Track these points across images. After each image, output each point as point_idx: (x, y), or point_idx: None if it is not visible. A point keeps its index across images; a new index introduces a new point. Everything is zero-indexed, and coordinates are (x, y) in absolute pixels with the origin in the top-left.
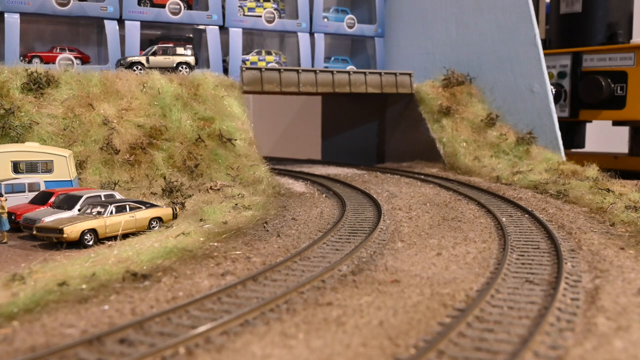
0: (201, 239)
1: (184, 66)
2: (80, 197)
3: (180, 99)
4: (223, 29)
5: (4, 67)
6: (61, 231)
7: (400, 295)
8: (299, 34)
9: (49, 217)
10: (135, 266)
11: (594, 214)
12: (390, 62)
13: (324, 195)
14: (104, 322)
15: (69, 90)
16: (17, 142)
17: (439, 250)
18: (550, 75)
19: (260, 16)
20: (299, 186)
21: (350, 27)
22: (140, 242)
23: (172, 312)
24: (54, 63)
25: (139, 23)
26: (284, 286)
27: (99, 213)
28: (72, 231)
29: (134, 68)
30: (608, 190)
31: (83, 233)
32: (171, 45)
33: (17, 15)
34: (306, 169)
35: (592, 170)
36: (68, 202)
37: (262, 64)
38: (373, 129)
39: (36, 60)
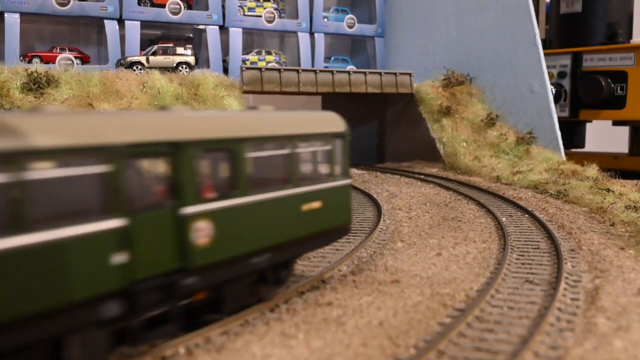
0: None
1: (184, 66)
2: None
3: (180, 99)
4: (223, 29)
5: (4, 67)
6: None
7: (400, 295)
8: (299, 33)
9: None
10: None
11: (594, 214)
12: (390, 62)
13: None
14: None
15: (69, 90)
16: None
17: (439, 250)
18: (550, 75)
19: (260, 16)
20: None
21: (350, 27)
22: None
23: None
24: (54, 63)
25: (139, 23)
26: (283, 286)
27: None
28: None
29: (134, 68)
30: (608, 190)
31: None
32: (171, 45)
33: (17, 15)
34: None
35: (592, 170)
36: None
37: (262, 64)
38: (373, 129)
39: (36, 60)
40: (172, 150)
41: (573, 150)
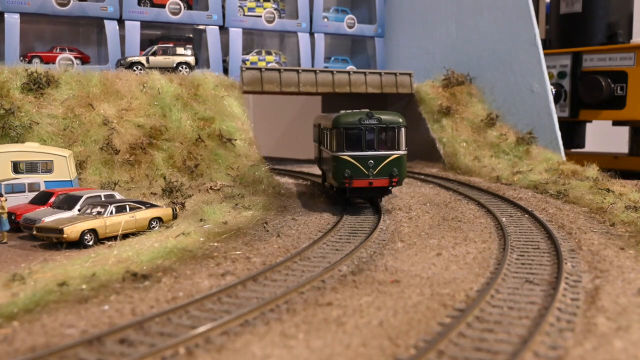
0: (201, 239)
1: (184, 66)
2: (80, 197)
3: (180, 99)
4: (223, 29)
5: (4, 67)
6: (61, 231)
7: (400, 295)
8: (299, 34)
9: (49, 217)
10: (135, 266)
11: (594, 214)
12: (390, 62)
13: (324, 195)
14: (104, 322)
15: (69, 90)
16: (17, 142)
17: (439, 250)
18: (550, 75)
19: (260, 16)
20: (299, 186)
21: (350, 27)
22: (140, 242)
23: (172, 312)
24: (54, 63)
25: (139, 23)
26: (284, 286)
27: (99, 213)
28: (72, 231)
29: (134, 68)
30: (608, 190)
31: (83, 233)
32: (171, 45)
33: (17, 15)
34: (306, 169)
35: (592, 170)
36: (68, 202)
37: (262, 64)
38: None
39: (36, 60)
40: (400, 127)
41: (573, 150)
